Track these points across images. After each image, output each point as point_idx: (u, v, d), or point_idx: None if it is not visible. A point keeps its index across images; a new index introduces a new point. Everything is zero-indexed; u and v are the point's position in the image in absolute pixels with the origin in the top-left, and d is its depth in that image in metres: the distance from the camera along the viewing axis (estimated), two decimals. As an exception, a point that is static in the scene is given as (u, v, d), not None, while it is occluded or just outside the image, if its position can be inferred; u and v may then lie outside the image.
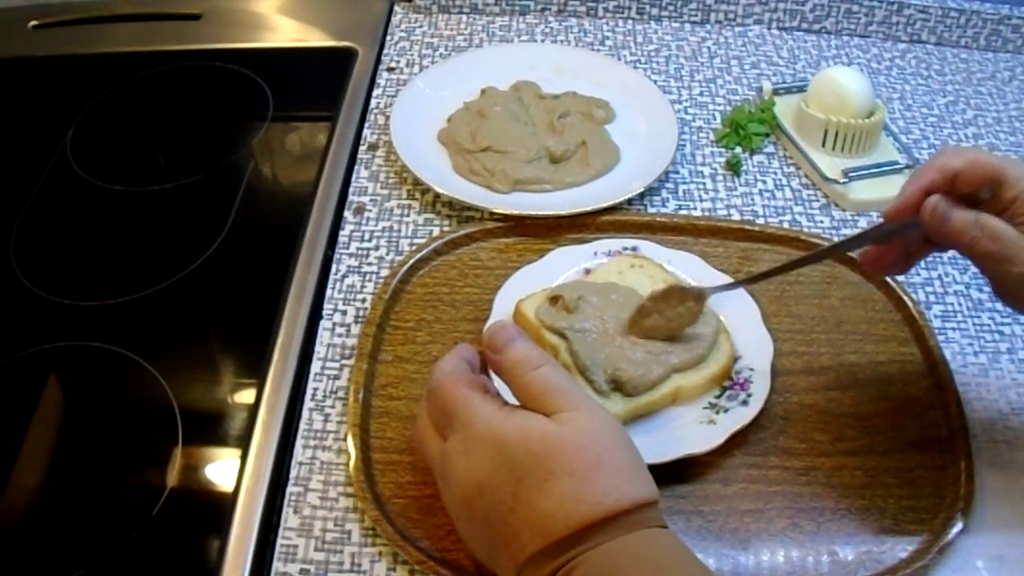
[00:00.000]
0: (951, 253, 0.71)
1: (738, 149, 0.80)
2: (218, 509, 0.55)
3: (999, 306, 0.67)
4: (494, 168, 0.74)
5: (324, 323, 0.65)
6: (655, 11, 0.95)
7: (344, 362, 0.62)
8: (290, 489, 0.56)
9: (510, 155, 0.75)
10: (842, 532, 0.54)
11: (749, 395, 0.59)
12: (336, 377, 0.62)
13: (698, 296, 0.60)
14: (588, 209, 0.71)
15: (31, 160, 0.81)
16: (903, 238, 0.54)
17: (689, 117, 0.84)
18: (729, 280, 0.66)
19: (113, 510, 0.56)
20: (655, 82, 0.85)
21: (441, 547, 0.53)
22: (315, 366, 0.62)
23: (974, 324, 0.66)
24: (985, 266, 0.51)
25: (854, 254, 0.66)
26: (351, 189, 0.75)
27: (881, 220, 0.53)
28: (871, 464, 0.57)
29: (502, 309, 0.64)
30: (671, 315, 0.59)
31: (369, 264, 0.69)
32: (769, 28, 0.95)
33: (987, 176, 0.49)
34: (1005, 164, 0.49)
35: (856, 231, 0.72)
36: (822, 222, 0.74)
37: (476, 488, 0.44)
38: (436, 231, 0.71)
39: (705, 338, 0.60)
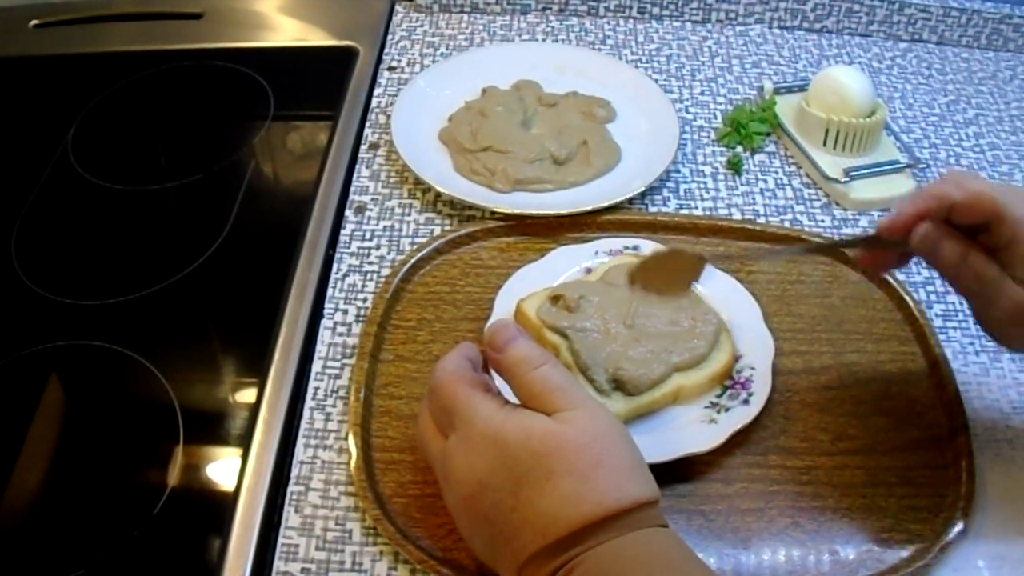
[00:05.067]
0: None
1: (739, 148, 0.80)
2: (219, 508, 0.55)
3: (1000, 305, 0.67)
4: (495, 168, 0.74)
5: (325, 322, 0.65)
6: (656, 10, 0.95)
7: (345, 361, 0.62)
8: (291, 488, 0.56)
9: (511, 155, 0.75)
10: (843, 531, 0.54)
11: (750, 394, 0.59)
12: (337, 376, 0.62)
13: (695, 261, 0.58)
14: (589, 208, 0.71)
15: (32, 159, 0.81)
16: (896, 248, 0.54)
17: (690, 116, 0.84)
18: (728, 276, 0.67)
19: (114, 509, 0.56)
20: (656, 81, 0.85)
21: (442, 546, 0.53)
22: (316, 365, 0.62)
23: (975, 323, 0.66)
24: (966, 299, 0.52)
25: (851, 253, 0.67)
26: (352, 188, 0.75)
27: (880, 222, 0.53)
28: (872, 463, 0.57)
29: (503, 308, 0.64)
30: (668, 277, 0.58)
31: (370, 263, 0.69)
32: (770, 27, 0.95)
33: (984, 214, 0.48)
34: (1006, 202, 0.47)
35: (855, 233, 0.72)
36: (823, 221, 0.74)
37: (477, 487, 0.44)
38: (437, 230, 0.71)
39: (706, 337, 0.60)
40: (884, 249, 0.55)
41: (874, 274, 0.67)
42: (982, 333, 0.65)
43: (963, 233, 0.50)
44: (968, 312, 0.66)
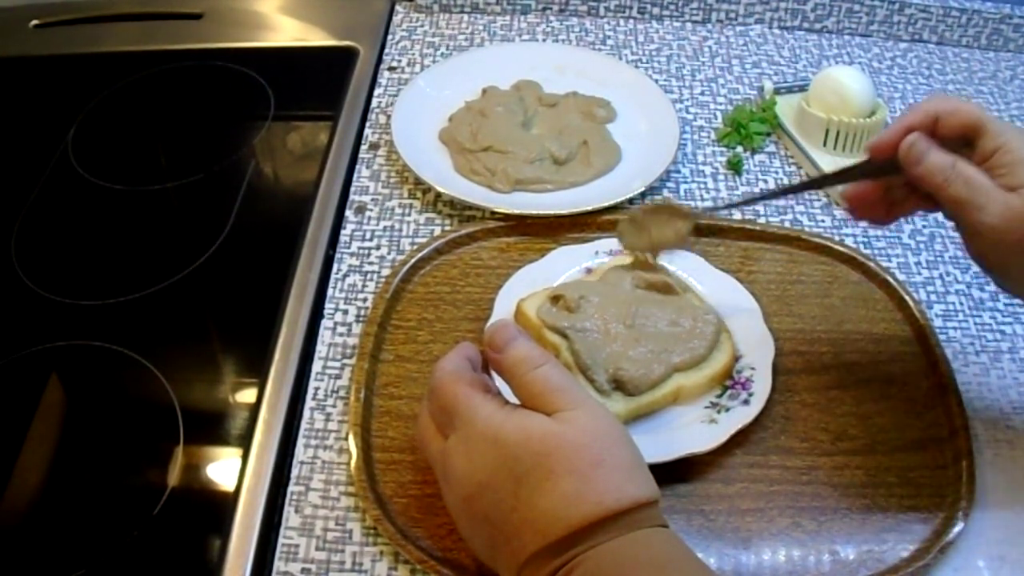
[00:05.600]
0: (952, 252, 0.71)
1: (739, 148, 0.80)
2: (219, 508, 0.55)
3: (1000, 305, 0.67)
4: (495, 168, 0.74)
5: (325, 322, 0.65)
6: (656, 10, 0.95)
7: (345, 361, 0.62)
8: (291, 488, 0.56)
9: (511, 155, 0.75)
10: (843, 531, 0.54)
11: (750, 394, 0.59)
12: (337, 376, 0.62)
13: (686, 215, 0.60)
14: (589, 208, 0.71)
15: (32, 159, 0.81)
16: (886, 179, 0.54)
17: (690, 116, 0.84)
18: (728, 276, 0.67)
19: (114, 509, 0.56)
20: (656, 81, 0.85)
21: (442, 546, 0.53)
22: (316, 365, 0.62)
23: (975, 323, 0.66)
24: (955, 213, 0.50)
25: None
26: (352, 188, 0.75)
27: (868, 143, 0.53)
28: (872, 463, 0.57)
29: (503, 308, 0.64)
30: (658, 230, 0.61)
31: (370, 263, 0.69)
32: (770, 27, 0.95)
33: (969, 123, 0.49)
34: (989, 117, 0.49)
35: (855, 233, 0.72)
36: (823, 221, 0.74)
37: (477, 487, 0.44)
38: (437, 230, 0.71)
39: (706, 337, 0.60)
40: (874, 179, 0.54)
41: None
42: (982, 333, 0.66)
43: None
44: (969, 312, 0.67)
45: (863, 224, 0.73)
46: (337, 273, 0.68)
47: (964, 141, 0.50)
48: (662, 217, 0.61)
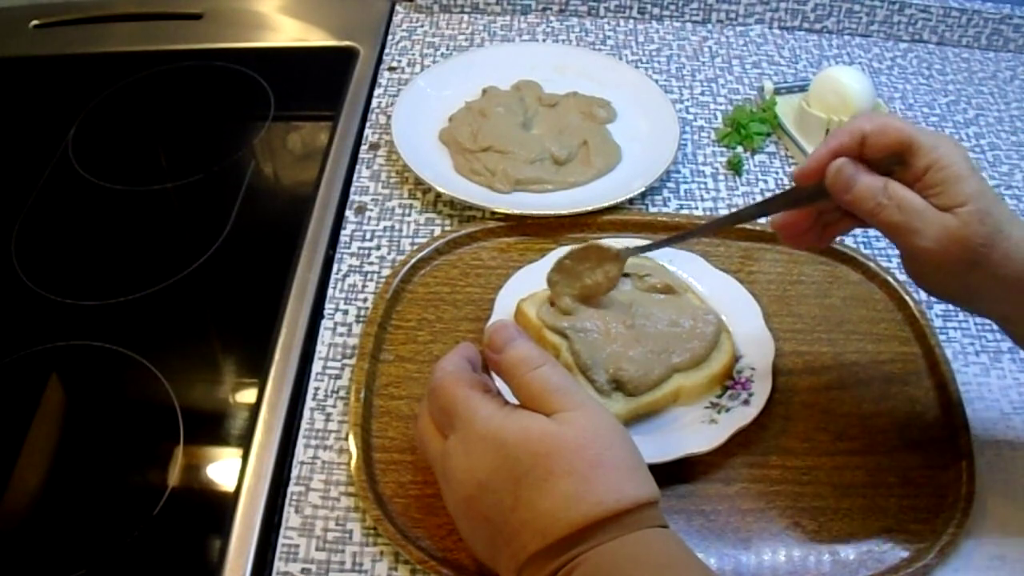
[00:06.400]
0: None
1: (739, 148, 0.80)
2: (219, 509, 0.55)
3: (1001, 306, 0.67)
4: (495, 168, 0.74)
5: (325, 322, 0.65)
6: (656, 10, 0.95)
7: (345, 361, 0.62)
8: (291, 489, 0.56)
9: (511, 155, 0.75)
10: (843, 531, 0.54)
11: (750, 394, 0.59)
12: (337, 376, 0.62)
13: (615, 257, 0.58)
14: (589, 209, 0.71)
15: (33, 160, 0.81)
16: (815, 205, 0.51)
17: (690, 116, 0.84)
18: (728, 276, 0.67)
19: (114, 509, 0.56)
20: (656, 81, 0.85)
21: (442, 547, 0.53)
22: (316, 365, 0.62)
23: (975, 323, 0.66)
24: (891, 237, 0.48)
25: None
26: (352, 188, 0.75)
27: (794, 169, 0.52)
28: (872, 464, 0.57)
29: (503, 308, 0.64)
30: (589, 275, 0.59)
31: (370, 263, 0.69)
32: (770, 27, 0.95)
33: (897, 141, 0.47)
34: (918, 131, 0.47)
35: (854, 233, 0.72)
36: (823, 222, 0.74)
37: (477, 487, 0.44)
38: (437, 230, 0.71)
39: (706, 337, 0.60)
40: (803, 207, 0.52)
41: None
42: (982, 333, 0.66)
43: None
44: (968, 313, 0.66)
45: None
46: (337, 273, 0.68)
47: (895, 159, 0.47)
48: (591, 262, 0.59)
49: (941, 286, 0.50)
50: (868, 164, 0.48)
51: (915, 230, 0.46)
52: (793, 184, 0.51)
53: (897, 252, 0.70)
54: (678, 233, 0.59)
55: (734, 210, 0.54)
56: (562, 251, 0.61)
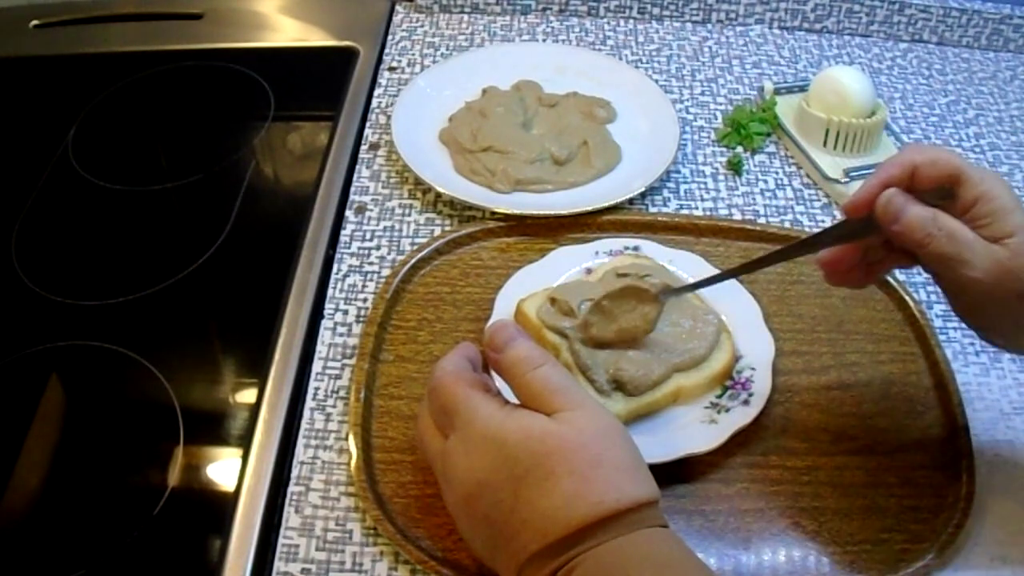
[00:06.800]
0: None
1: (739, 149, 0.80)
2: (219, 509, 0.55)
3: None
4: (495, 168, 0.74)
5: (325, 322, 0.65)
6: (656, 11, 0.95)
7: (345, 361, 0.62)
8: (291, 489, 0.56)
9: (511, 155, 0.75)
10: (843, 531, 0.54)
11: (750, 395, 0.59)
12: (337, 377, 0.62)
13: (653, 299, 0.57)
14: (589, 209, 0.71)
15: (33, 160, 0.81)
16: (863, 241, 0.51)
17: (690, 116, 0.84)
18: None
19: (114, 510, 0.56)
20: (656, 82, 0.85)
21: (443, 547, 0.53)
22: (316, 365, 0.62)
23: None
24: (939, 270, 0.48)
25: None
26: (352, 189, 0.75)
27: (843, 203, 0.51)
28: (872, 464, 0.57)
29: (503, 308, 0.64)
30: (625, 318, 0.58)
31: (370, 263, 0.69)
32: (770, 27, 0.95)
33: (947, 172, 0.47)
34: (966, 164, 0.47)
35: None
36: (823, 222, 0.74)
37: (477, 487, 0.44)
38: (437, 231, 0.71)
39: (706, 338, 0.60)
40: (850, 241, 0.51)
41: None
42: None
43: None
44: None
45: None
46: (337, 273, 0.68)
47: (943, 192, 0.47)
48: (629, 303, 0.58)
49: (990, 320, 0.50)
50: (916, 196, 0.48)
51: (965, 261, 0.46)
52: (842, 218, 0.50)
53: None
54: (715, 274, 0.57)
55: (776, 248, 0.53)
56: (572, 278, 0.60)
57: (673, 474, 0.55)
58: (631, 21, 0.95)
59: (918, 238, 0.47)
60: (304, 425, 0.59)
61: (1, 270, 0.71)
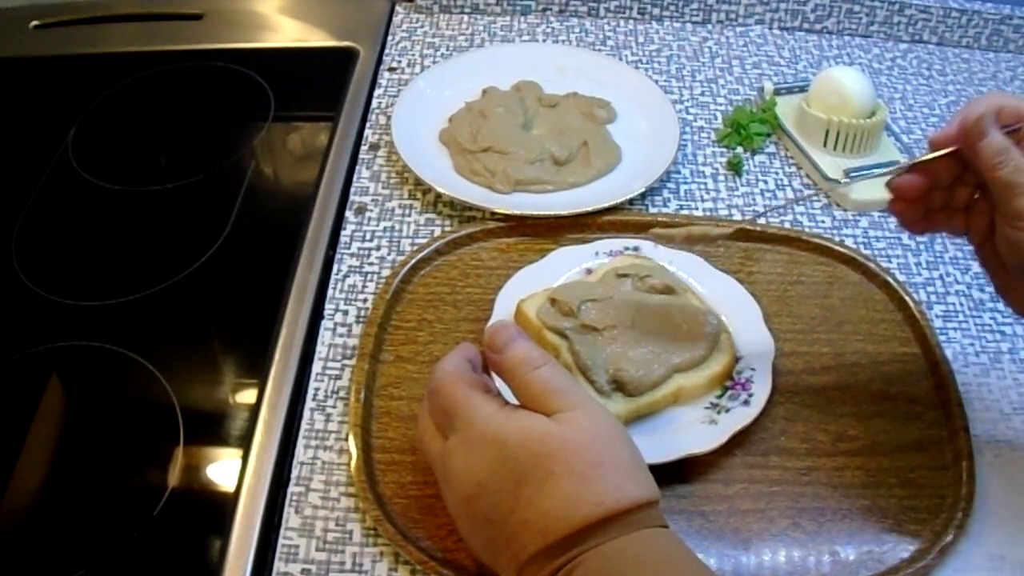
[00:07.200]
0: (952, 253, 0.71)
1: (739, 149, 0.80)
2: (219, 509, 0.55)
3: (1000, 306, 0.67)
4: (495, 168, 0.74)
5: (325, 323, 0.65)
6: (656, 11, 0.95)
7: (345, 362, 0.62)
8: (291, 489, 0.56)
9: (511, 156, 0.75)
10: (843, 532, 0.54)
11: (750, 395, 0.59)
12: (337, 377, 0.62)
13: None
14: (589, 209, 0.71)
15: (32, 160, 0.81)
16: (935, 174, 0.54)
17: (690, 117, 0.84)
18: (728, 276, 0.66)
19: (114, 510, 0.56)
20: (656, 82, 0.85)
21: (443, 547, 0.53)
22: (316, 366, 0.62)
23: (975, 324, 0.66)
24: (998, 197, 0.50)
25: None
26: (352, 189, 0.75)
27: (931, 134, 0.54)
28: (872, 464, 0.57)
29: (503, 309, 0.64)
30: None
31: (370, 264, 0.69)
32: (770, 28, 0.95)
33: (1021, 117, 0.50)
34: None
35: (855, 233, 0.72)
36: (823, 222, 0.74)
37: (477, 487, 0.44)
38: (437, 231, 0.71)
39: (706, 338, 0.60)
40: (927, 166, 0.54)
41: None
42: (982, 334, 0.66)
43: None
44: (969, 312, 0.67)
45: (863, 226, 0.73)
46: (337, 274, 0.68)
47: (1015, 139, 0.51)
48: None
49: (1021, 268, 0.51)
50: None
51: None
52: (926, 151, 0.53)
53: (897, 253, 0.71)
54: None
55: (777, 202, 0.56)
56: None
57: (673, 474, 0.55)
58: (631, 21, 0.95)
59: (992, 161, 0.50)
60: (304, 425, 0.59)
61: (1, 270, 0.71)
